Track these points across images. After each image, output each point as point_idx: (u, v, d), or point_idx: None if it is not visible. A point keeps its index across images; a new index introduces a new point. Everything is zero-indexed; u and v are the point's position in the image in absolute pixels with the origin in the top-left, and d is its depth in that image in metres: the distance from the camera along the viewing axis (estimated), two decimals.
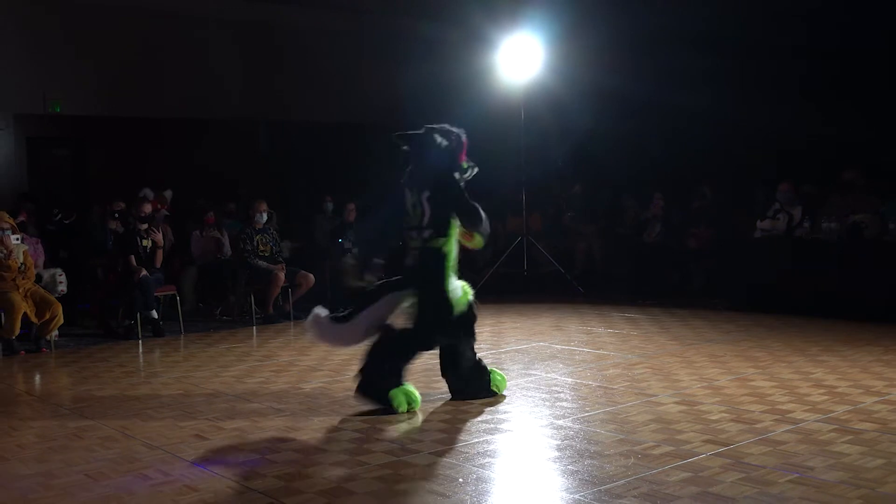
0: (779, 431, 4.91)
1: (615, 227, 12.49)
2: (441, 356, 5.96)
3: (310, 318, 5.92)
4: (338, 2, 13.52)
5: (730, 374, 6.51)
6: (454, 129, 5.94)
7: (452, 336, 5.82)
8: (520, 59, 11.12)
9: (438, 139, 5.85)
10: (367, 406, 5.71)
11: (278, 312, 10.14)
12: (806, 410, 5.36)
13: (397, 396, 5.61)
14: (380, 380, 5.66)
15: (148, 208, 9.65)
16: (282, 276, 9.97)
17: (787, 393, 5.84)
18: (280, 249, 10.33)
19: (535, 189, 12.30)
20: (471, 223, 5.80)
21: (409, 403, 5.62)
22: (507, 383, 6.17)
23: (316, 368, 7.20)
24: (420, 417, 5.51)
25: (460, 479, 4.25)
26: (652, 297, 10.72)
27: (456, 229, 5.80)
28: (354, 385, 5.77)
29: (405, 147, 6.00)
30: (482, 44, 11.61)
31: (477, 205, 5.83)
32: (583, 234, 12.59)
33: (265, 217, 10.23)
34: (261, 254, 10.04)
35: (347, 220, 11.20)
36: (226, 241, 10.79)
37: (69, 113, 12.29)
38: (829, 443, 4.67)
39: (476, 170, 5.95)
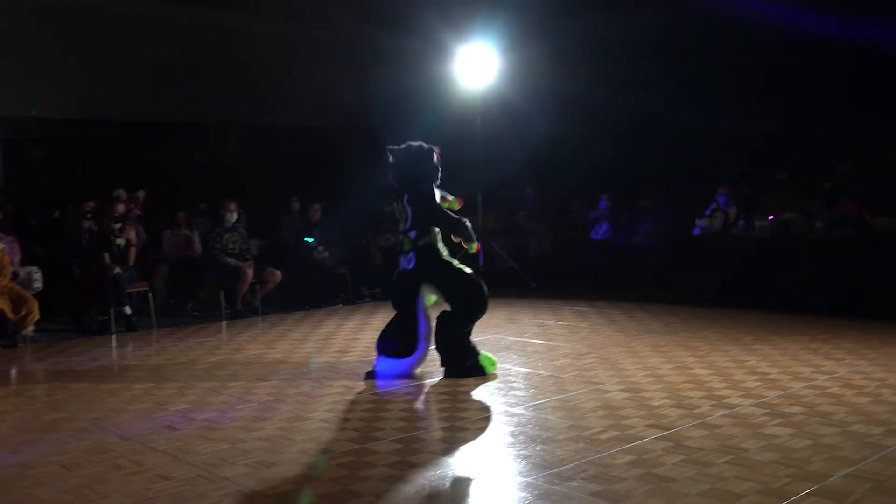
0: (716, 416, 4.98)
1: (565, 226, 12.57)
2: (436, 334, 6.32)
3: (378, 366, 6.35)
4: (305, 12, 13.42)
5: (671, 362, 6.59)
6: (424, 144, 6.45)
7: (484, 298, 6.28)
8: (476, 68, 11.14)
9: (435, 156, 6.39)
10: (331, 391, 5.69)
11: (247, 308, 10.06)
12: (741, 396, 5.45)
13: (484, 363, 6.29)
14: (464, 360, 6.25)
15: (121, 208, 9.51)
16: (250, 272, 9.90)
17: (723, 380, 5.93)
18: (248, 247, 10.25)
19: (490, 190, 12.34)
20: (452, 229, 6.33)
21: (491, 364, 6.34)
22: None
23: (283, 361, 7.15)
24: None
25: (420, 465, 4.25)
26: (599, 291, 10.81)
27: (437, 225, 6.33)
28: (444, 373, 6.30)
29: (391, 159, 6.48)
30: (441, 53, 11.61)
31: (448, 213, 6.35)
32: (535, 232, 12.65)
33: (234, 216, 10.14)
34: (230, 252, 9.96)
35: (313, 219, 11.15)
36: (196, 239, 10.66)
37: (46, 116, 12.06)
38: (761, 426, 4.75)
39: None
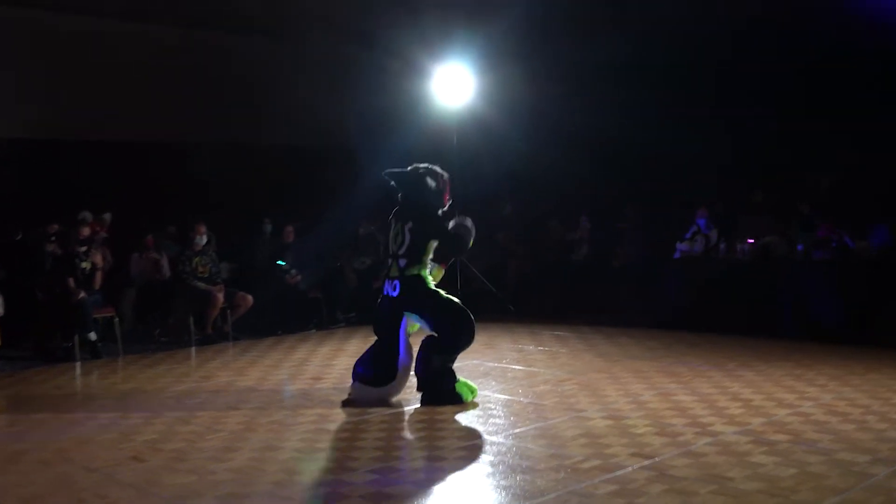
0: (700, 444, 4.99)
1: (544, 247, 12.59)
2: (418, 358, 6.29)
3: (354, 393, 6.38)
4: (283, 31, 13.41)
5: (653, 389, 6.60)
6: (440, 171, 6.52)
7: (471, 328, 6.25)
8: (453, 87, 11.20)
9: (429, 181, 6.39)
10: (305, 421, 5.64)
11: (217, 333, 9.97)
12: (724, 423, 5.46)
13: (462, 391, 6.21)
14: (443, 386, 6.19)
15: (87, 231, 9.41)
16: (221, 296, 9.82)
17: (706, 407, 5.94)
18: (219, 271, 10.18)
19: (467, 210, 12.32)
20: (454, 250, 6.53)
21: (471, 392, 6.26)
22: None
23: (254, 389, 7.08)
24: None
25: (397, 497, 4.21)
26: (580, 314, 10.82)
27: (429, 256, 6.35)
28: (421, 399, 6.24)
29: (393, 183, 6.50)
30: (418, 73, 11.65)
31: (456, 232, 6.42)
32: (514, 253, 12.66)
33: (204, 239, 10.08)
34: (200, 275, 9.88)
35: (286, 241, 11.09)
36: (165, 262, 10.57)
37: (10, 136, 11.92)
38: (746, 454, 4.76)
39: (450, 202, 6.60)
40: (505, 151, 12.77)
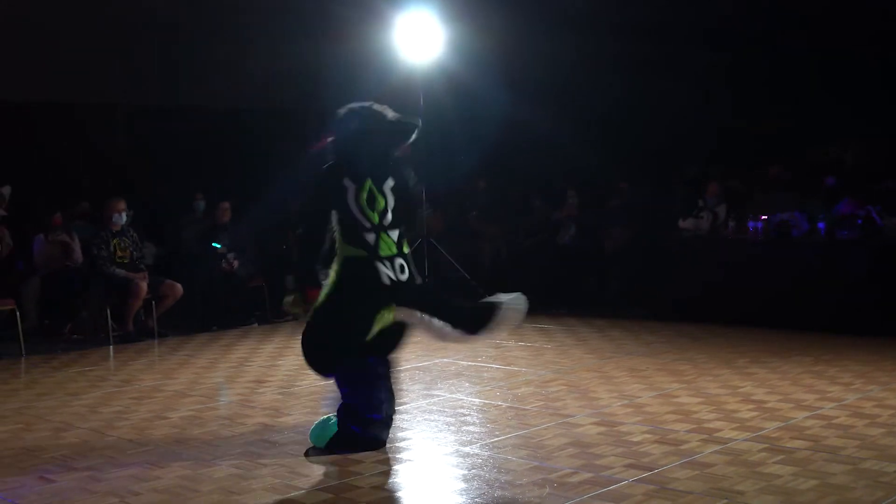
0: (706, 453, 5.03)
1: (524, 228, 12.62)
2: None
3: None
4: None
5: (652, 389, 6.65)
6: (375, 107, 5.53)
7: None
8: (418, 40, 11.13)
9: (390, 115, 5.48)
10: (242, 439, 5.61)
11: (140, 329, 9.91)
12: (734, 428, 5.51)
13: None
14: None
15: None
16: (144, 286, 9.75)
17: (713, 409, 6.00)
18: (142, 255, 10.12)
19: (435, 184, 12.32)
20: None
21: None
22: (409, 405, 6.17)
23: (185, 394, 7.04)
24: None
25: None
26: (566, 305, 10.87)
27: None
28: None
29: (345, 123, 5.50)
30: (375, 22, 11.57)
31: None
32: (489, 235, 12.67)
33: (124, 218, 9.98)
34: (119, 260, 9.80)
35: (221, 221, 11.01)
36: (76, 246, 10.46)
37: None
38: (759, 464, 4.81)
39: None
40: (480, 116, 12.74)
